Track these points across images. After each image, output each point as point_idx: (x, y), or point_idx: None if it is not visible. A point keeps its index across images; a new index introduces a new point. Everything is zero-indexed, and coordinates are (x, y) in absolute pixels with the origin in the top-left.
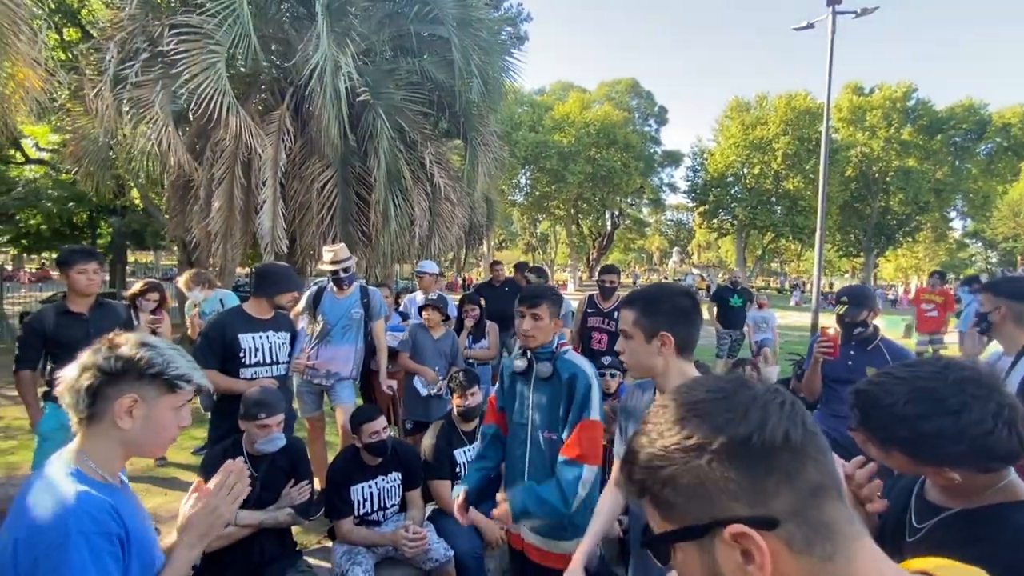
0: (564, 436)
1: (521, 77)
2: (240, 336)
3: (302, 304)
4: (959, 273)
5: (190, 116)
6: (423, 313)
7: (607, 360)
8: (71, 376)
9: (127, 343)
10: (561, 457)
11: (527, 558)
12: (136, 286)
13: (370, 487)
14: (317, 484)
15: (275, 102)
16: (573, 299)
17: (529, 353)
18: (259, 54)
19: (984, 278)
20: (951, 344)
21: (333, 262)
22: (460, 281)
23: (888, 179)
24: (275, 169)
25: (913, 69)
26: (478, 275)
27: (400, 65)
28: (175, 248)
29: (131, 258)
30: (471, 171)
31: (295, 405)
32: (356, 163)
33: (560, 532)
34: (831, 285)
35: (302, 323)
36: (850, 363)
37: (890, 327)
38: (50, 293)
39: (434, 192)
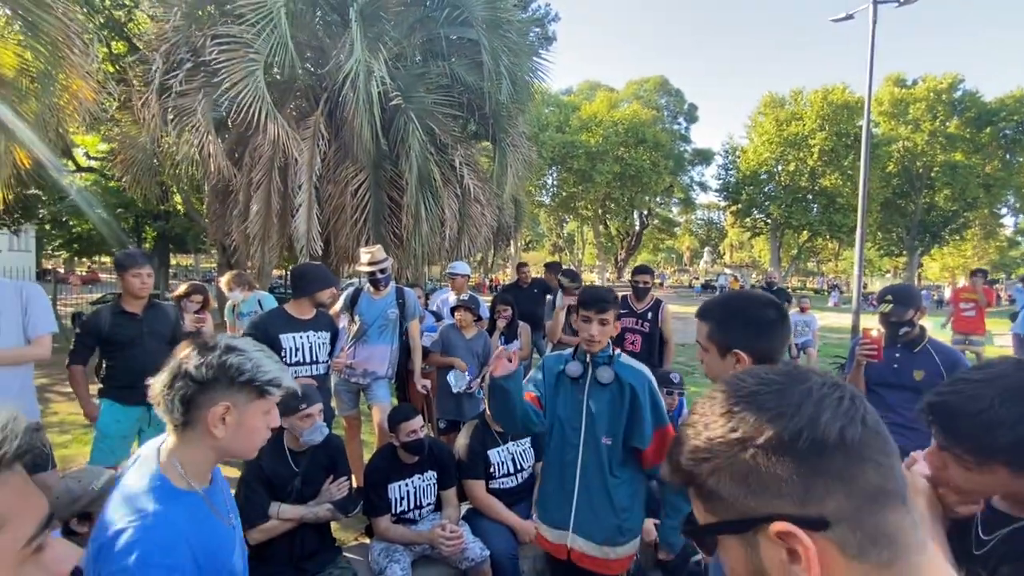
0: (636, 444)
1: (549, 77)
2: (281, 336)
3: (340, 304)
4: (1010, 272)
5: (229, 123)
6: (455, 314)
7: (675, 377)
8: (163, 383)
9: (216, 349)
10: (659, 467)
11: (575, 567)
12: (180, 288)
13: (407, 485)
14: (354, 481)
15: (310, 108)
16: None
17: (588, 358)
18: (295, 61)
19: None
20: (1002, 346)
21: (371, 263)
22: (487, 282)
23: (933, 174)
24: (310, 173)
25: (958, 61)
26: (504, 276)
27: (431, 69)
28: (214, 251)
29: (173, 261)
30: (500, 173)
31: (332, 404)
32: (388, 166)
33: (616, 538)
34: (865, 286)
35: (342, 322)
36: (896, 366)
37: (935, 329)
38: (100, 295)
39: (464, 194)
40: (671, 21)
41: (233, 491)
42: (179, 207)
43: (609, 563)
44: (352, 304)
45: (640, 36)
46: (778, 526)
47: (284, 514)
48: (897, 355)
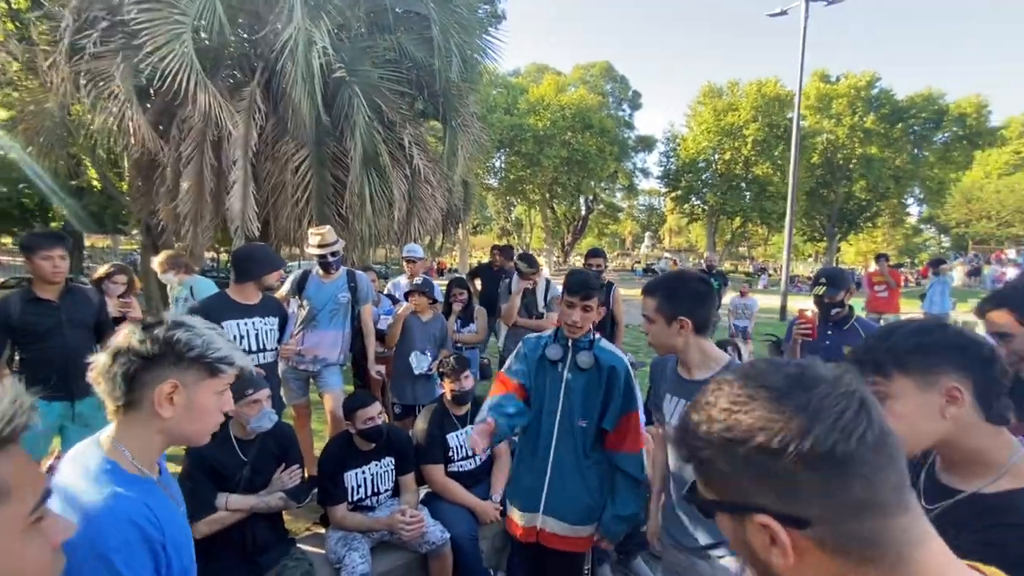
0: (605, 426)
1: (500, 57)
2: (224, 323)
3: (286, 287)
4: (914, 257)
5: (152, 91)
6: (409, 299)
7: (632, 358)
8: (104, 362)
9: (163, 324)
10: (617, 453)
11: (544, 548)
12: (101, 269)
13: (364, 472)
14: (306, 472)
15: (244, 78)
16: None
17: (569, 342)
18: (225, 26)
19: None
20: None
21: (320, 245)
22: (435, 266)
23: (852, 166)
24: (246, 148)
25: (875, 58)
26: (452, 260)
27: (377, 42)
28: (135, 232)
29: (87, 242)
30: (451, 154)
31: (282, 393)
32: (331, 143)
33: (589, 516)
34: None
35: (292, 307)
36: (828, 343)
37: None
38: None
39: (414, 174)
40: (614, 6)
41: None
42: (95, 183)
43: (577, 541)
44: (300, 288)
45: (585, 20)
46: (760, 519)
47: (232, 504)
48: (829, 332)
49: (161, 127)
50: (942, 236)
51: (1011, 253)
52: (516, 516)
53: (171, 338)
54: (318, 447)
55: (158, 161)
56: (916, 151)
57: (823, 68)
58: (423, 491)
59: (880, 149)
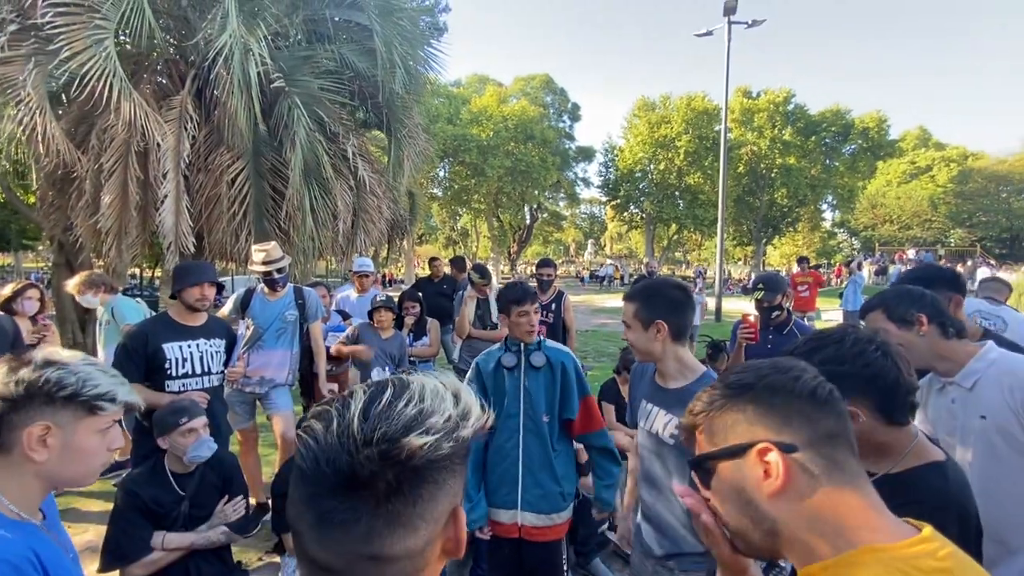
0: (568, 415)
1: (445, 69)
2: (165, 345)
3: (228, 307)
4: (831, 258)
5: (63, 98)
6: (376, 315)
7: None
8: None
9: (29, 363)
10: (588, 434)
11: (524, 542)
12: (7, 288)
13: None
14: (252, 500)
15: (173, 86)
16: None
17: (521, 346)
18: (154, 31)
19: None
20: (828, 320)
21: (265, 262)
22: (381, 277)
23: (773, 175)
24: (177, 160)
25: (790, 76)
26: (398, 271)
27: (317, 52)
28: (41, 248)
29: None
30: (396, 164)
31: (229, 418)
32: (270, 154)
33: (559, 504)
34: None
35: (241, 328)
36: (770, 347)
37: None
38: None
39: (358, 186)
40: (552, 22)
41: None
42: None
43: (554, 528)
44: (244, 307)
45: (525, 34)
46: (761, 447)
47: (170, 544)
48: (770, 336)
49: (79, 137)
50: (853, 239)
51: (911, 253)
52: (497, 514)
53: (38, 379)
54: (266, 472)
55: (74, 173)
56: (828, 161)
57: (746, 85)
58: None
59: (797, 160)
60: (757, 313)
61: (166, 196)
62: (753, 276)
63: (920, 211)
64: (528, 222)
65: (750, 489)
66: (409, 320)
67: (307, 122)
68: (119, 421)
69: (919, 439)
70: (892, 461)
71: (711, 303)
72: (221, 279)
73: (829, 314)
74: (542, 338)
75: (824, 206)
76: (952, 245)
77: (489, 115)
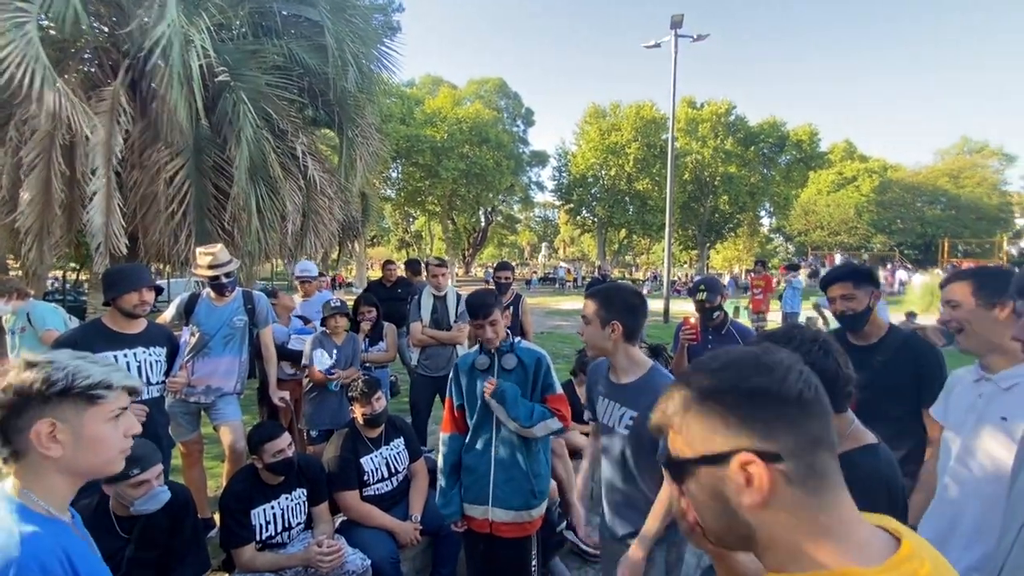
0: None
1: (399, 69)
2: (99, 356)
3: (171, 312)
4: (767, 262)
5: None
6: (329, 322)
7: None
8: None
9: (14, 369)
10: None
11: (494, 537)
12: None
13: (273, 508)
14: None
15: (104, 76)
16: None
17: (493, 350)
18: (81, 17)
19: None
20: (773, 321)
21: (212, 266)
22: (332, 280)
23: (716, 183)
24: (108, 156)
25: (731, 88)
26: (348, 272)
27: (264, 46)
28: None
29: None
30: (348, 164)
31: (171, 431)
32: (213, 152)
33: (529, 502)
34: (654, 276)
35: (185, 335)
36: (710, 347)
37: (742, 313)
38: None
39: (308, 186)
40: (506, 27)
41: None
42: None
43: (524, 526)
44: (188, 313)
45: (478, 37)
46: (743, 456)
47: None
48: (710, 337)
49: None
50: (788, 244)
51: (838, 258)
52: (469, 510)
53: (25, 382)
54: (211, 486)
55: None
56: (765, 171)
57: (691, 95)
58: (338, 519)
59: (738, 168)
60: (698, 314)
61: (95, 194)
62: (695, 279)
63: (847, 218)
64: (483, 225)
65: (729, 497)
66: (365, 325)
67: (254, 118)
68: (131, 406)
69: (855, 424)
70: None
71: (658, 304)
72: (158, 283)
73: (770, 315)
74: (517, 340)
75: (762, 213)
76: (875, 250)
77: (443, 117)
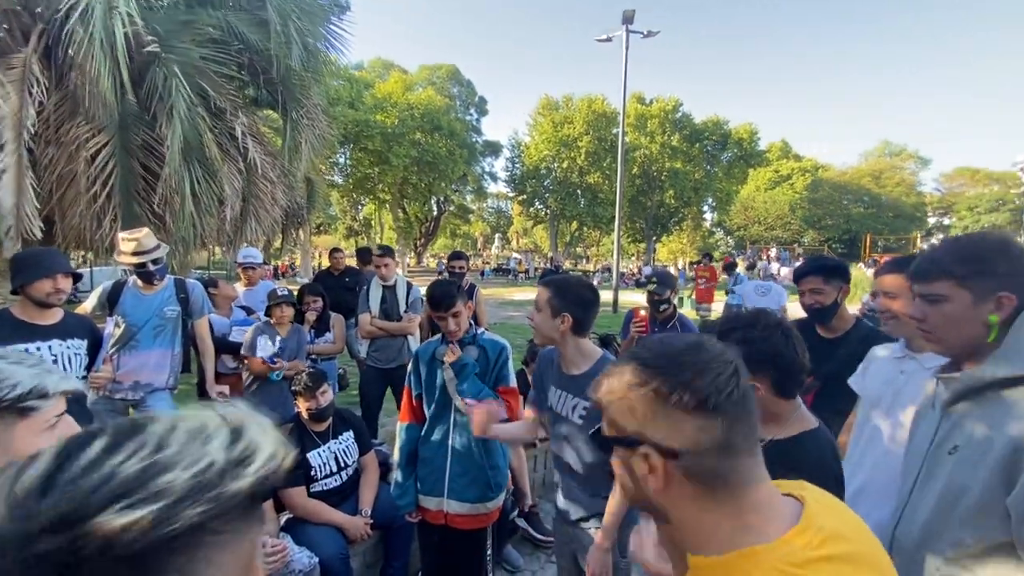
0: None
1: (348, 49)
2: (9, 349)
3: (92, 302)
4: (709, 254)
5: None
6: (274, 311)
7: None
8: None
9: None
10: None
11: (449, 529)
12: None
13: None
14: None
15: (13, 42)
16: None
17: (455, 342)
18: None
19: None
20: (715, 311)
21: (136, 253)
22: (275, 269)
23: (663, 178)
24: (19, 130)
25: (678, 86)
26: (293, 263)
27: (200, 17)
28: None
29: None
30: (293, 147)
31: None
32: (141, 129)
33: (486, 494)
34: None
35: (108, 326)
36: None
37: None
38: None
39: (249, 169)
40: (458, 16)
41: None
42: None
43: (479, 518)
44: (112, 302)
45: (429, 22)
46: (643, 449)
47: None
48: (656, 329)
49: None
50: (729, 238)
51: (773, 252)
52: (424, 501)
53: None
54: None
55: None
56: (709, 167)
57: (640, 91)
58: (283, 517)
59: (683, 164)
60: (648, 306)
61: (4, 171)
62: (643, 271)
63: (782, 214)
64: (435, 214)
65: (640, 476)
66: (311, 316)
67: (188, 95)
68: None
69: (800, 408)
70: (779, 428)
71: (607, 295)
72: (77, 271)
73: (715, 304)
74: (481, 331)
75: (705, 207)
76: (806, 244)
77: (394, 102)
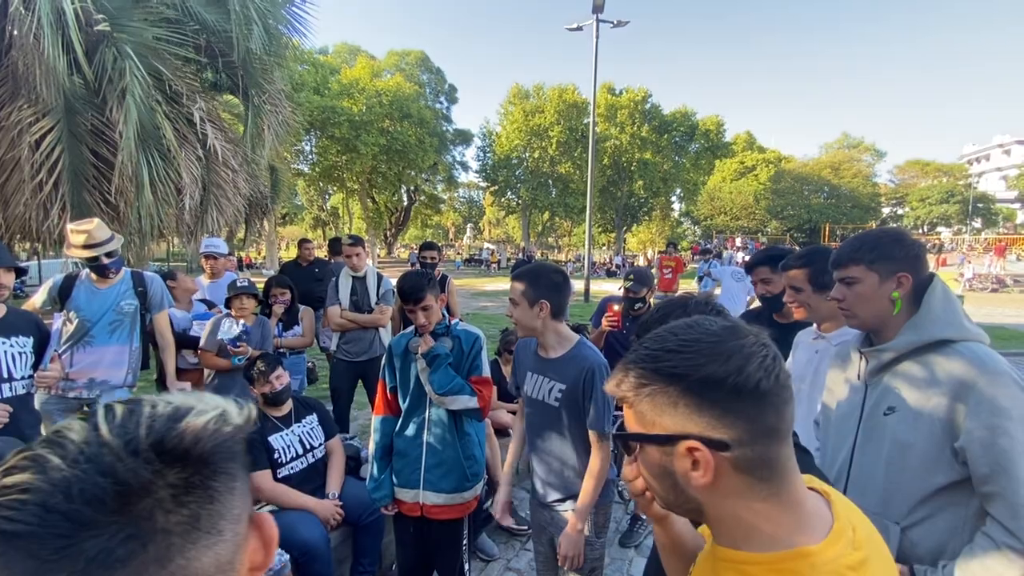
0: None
1: (312, 33)
2: None
3: (41, 297)
4: (677, 244)
5: None
6: (234, 303)
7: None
8: None
9: None
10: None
11: (426, 520)
12: None
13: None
14: None
15: None
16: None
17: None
18: None
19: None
20: None
21: (87, 245)
22: (237, 261)
23: (633, 168)
24: None
25: (647, 77)
26: (257, 255)
27: None
28: None
29: None
30: (255, 134)
31: (43, 430)
32: (91, 113)
33: (462, 485)
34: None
35: (57, 322)
36: (633, 337)
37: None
38: None
39: (208, 156)
40: (427, 3)
41: None
42: None
43: (456, 508)
44: (64, 297)
45: (397, 8)
46: (690, 443)
47: None
48: (628, 325)
49: None
50: (696, 227)
51: (738, 241)
52: (400, 493)
53: None
54: None
55: None
56: (677, 158)
57: (610, 82)
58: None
59: (653, 155)
60: (622, 300)
61: None
62: (614, 260)
63: (747, 204)
64: (405, 204)
65: (677, 475)
66: (279, 309)
67: (143, 77)
68: None
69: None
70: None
71: (579, 284)
72: (23, 264)
73: (679, 294)
74: (455, 321)
75: (673, 198)
76: (769, 233)
77: (361, 88)
